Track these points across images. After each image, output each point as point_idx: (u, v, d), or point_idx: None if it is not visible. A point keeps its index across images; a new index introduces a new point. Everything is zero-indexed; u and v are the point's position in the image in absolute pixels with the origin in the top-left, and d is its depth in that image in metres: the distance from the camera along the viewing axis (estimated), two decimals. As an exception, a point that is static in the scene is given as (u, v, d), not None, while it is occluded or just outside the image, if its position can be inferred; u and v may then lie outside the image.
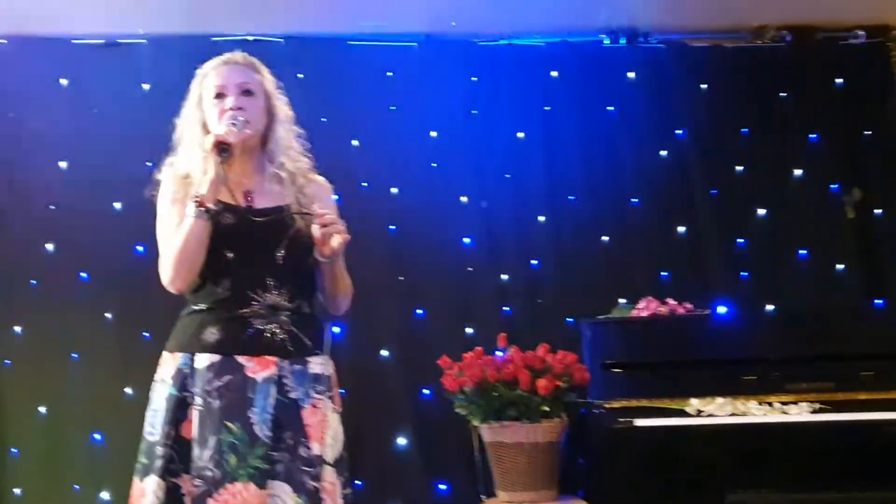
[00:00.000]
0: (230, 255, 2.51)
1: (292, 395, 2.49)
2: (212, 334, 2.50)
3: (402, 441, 4.49)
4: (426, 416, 4.47)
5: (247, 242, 2.51)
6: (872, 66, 4.98)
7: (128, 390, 4.48)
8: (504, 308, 4.69)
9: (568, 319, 4.67)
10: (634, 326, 4.25)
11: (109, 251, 4.56)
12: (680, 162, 4.88)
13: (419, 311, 4.64)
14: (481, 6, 4.78)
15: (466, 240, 4.74)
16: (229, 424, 2.41)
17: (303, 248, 2.55)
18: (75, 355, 4.52)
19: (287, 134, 2.72)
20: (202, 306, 2.55)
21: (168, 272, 2.51)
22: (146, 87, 4.74)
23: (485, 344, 4.35)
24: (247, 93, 2.61)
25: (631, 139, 4.87)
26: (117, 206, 4.63)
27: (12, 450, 4.41)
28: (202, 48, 4.69)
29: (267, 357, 2.47)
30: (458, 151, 4.81)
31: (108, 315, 4.55)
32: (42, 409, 4.45)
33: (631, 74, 4.94)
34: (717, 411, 3.80)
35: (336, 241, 2.48)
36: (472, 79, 4.91)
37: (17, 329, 4.52)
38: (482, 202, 4.78)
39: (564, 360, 3.99)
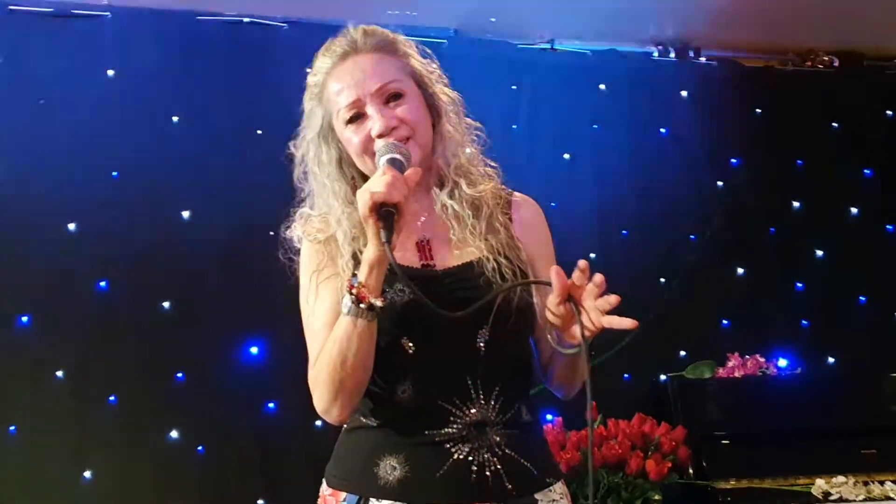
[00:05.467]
0: (409, 345, 1.63)
1: None
2: (391, 469, 1.60)
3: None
4: None
5: (432, 326, 1.59)
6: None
7: (86, 474, 3.43)
8: (553, 362, 3.96)
9: (625, 375, 4.01)
10: (734, 389, 3.65)
11: (60, 288, 3.50)
12: (736, 194, 4.35)
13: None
14: (521, 2, 4.05)
15: (507, 280, 3.98)
16: None
17: (517, 324, 1.66)
18: (12, 429, 3.40)
19: (458, 132, 1.74)
20: (373, 422, 1.65)
21: (322, 397, 1.59)
22: (111, 73, 3.65)
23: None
24: (394, 97, 1.66)
25: (685, 166, 4.29)
26: (71, 227, 3.54)
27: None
28: (184, 28, 3.81)
29: None
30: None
31: (59, 374, 3.47)
32: (-34, 505, 3.29)
33: (683, 93, 4.35)
34: (847, 495, 3.27)
35: (596, 322, 1.50)
36: (512, 87, 4.15)
37: (-71, 394, 3.35)
38: (524, 235, 4.02)
39: (673, 436, 3.30)
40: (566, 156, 4.19)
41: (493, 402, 1.63)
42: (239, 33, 3.84)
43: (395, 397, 1.62)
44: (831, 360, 4.29)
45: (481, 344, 1.62)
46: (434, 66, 1.76)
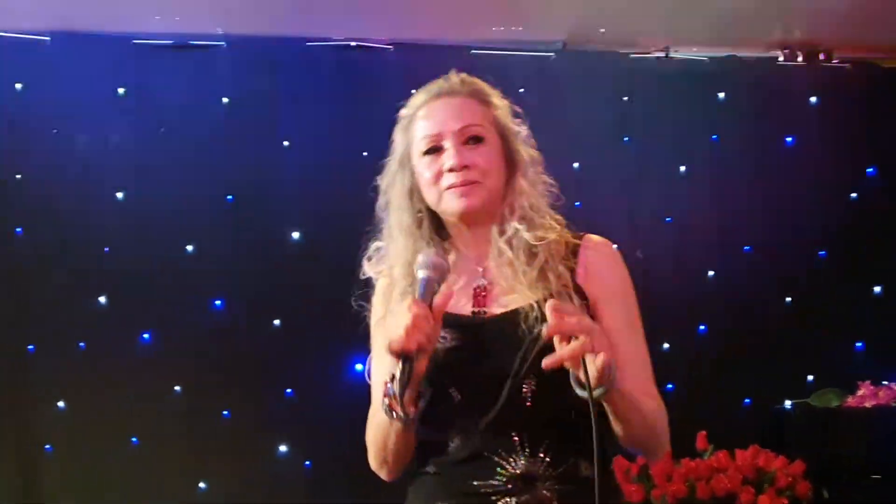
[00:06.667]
0: (456, 394, 1.60)
1: None
2: None
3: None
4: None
5: (477, 376, 1.57)
6: None
7: (202, 485, 3.57)
8: (667, 385, 3.79)
9: (745, 400, 3.81)
10: (863, 421, 3.38)
11: (179, 306, 3.69)
12: (872, 206, 4.05)
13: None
14: (632, 11, 3.91)
15: (619, 298, 3.85)
16: None
17: (561, 376, 1.49)
18: (135, 440, 3.62)
19: (532, 187, 1.72)
20: (430, 469, 1.63)
21: (372, 461, 1.67)
22: (226, 100, 3.81)
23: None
24: (473, 140, 1.67)
25: (814, 177, 4.04)
26: (189, 248, 3.71)
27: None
28: (294, 53, 3.91)
29: None
30: (606, 188, 3.93)
31: (178, 388, 3.66)
32: (91, 511, 3.51)
33: (812, 99, 4.08)
34: None
35: (598, 361, 1.41)
36: (623, 98, 4.02)
37: (61, 404, 3.63)
38: (637, 252, 3.86)
39: (790, 470, 3.07)
40: (682, 168, 4.02)
41: (541, 456, 1.56)
42: (347, 57, 3.91)
43: (446, 446, 1.60)
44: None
45: (528, 396, 1.56)
46: (524, 127, 1.74)
